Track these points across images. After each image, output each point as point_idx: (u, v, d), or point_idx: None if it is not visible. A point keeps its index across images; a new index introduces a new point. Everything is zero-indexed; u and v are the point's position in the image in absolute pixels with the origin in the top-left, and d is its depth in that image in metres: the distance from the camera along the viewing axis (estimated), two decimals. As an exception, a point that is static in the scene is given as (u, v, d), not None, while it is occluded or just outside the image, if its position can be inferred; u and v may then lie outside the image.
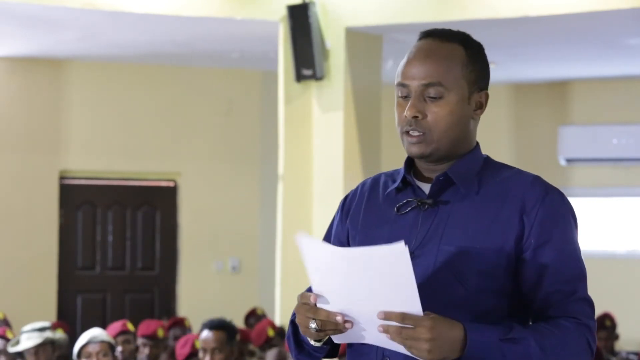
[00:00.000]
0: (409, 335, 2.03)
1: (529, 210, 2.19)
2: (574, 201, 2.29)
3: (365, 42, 7.70)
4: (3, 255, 9.38)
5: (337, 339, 2.18)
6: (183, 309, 9.77)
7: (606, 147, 9.95)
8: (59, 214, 9.68)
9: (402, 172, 2.31)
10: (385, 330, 2.05)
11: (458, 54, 2.26)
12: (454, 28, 2.33)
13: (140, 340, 6.45)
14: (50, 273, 9.58)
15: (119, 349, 6.07)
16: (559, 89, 10.30)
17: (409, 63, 2.26)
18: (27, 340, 6.01)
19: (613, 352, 7.66)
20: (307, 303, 2.13)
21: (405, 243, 2.00)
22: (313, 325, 2.12)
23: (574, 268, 2.19)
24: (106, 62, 9.60)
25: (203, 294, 9.83)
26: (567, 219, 2.22)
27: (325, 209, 7.52)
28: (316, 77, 7.46)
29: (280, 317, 7.59)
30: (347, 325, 2.10)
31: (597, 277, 7.84)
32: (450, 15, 7.20)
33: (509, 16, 7.15)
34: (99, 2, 7.32)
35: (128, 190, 9.97)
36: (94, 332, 5.52)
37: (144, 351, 6.43)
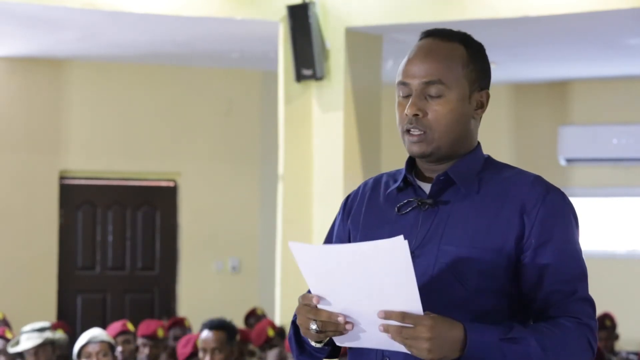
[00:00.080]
0: (409, 335, 2.03)
1: (529, 209, 2.19)
2: (574, 201, 2.29)
3: (365, 42, 7.69)
4: (3, 255, 9.38)
5: (338, 340, 2.17)
6: (183, 309, 9.77)
7: (606, 147, 9.95)
8: (59, 214, 9.68)
9: (404, 172, 2.31)
10: (386, 329, 2.05)
11: (459, 53, 2.26)
12: (454, 28, 2.33)
13: (140, 340, 6.45)
14: (50, 273, 9.58)
15: (119, 349, 6.07)
16: (559, 89, 10.30)
17: (409, 62, 2.26)
18: (27, 341, 6.01)
19: (613, 352, 7.66)
20: (308, 304, 2.13)
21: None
22: (314, 326, 2.12)
23: (574, 268, 2.19)
24: (106, 62, 9.60)
25: (203, 294, 9.83)
26: (568, 218, 2.22)
27: (325, 209, 7.52)
28: (316, 77, 7.46)
29: (280, 317, 7.59)
30: (347, 326, 2.10)
31: (597, 277, 7.84)
32: (450, 15, 7.20)
33: (509, 16, 7.15)
34: (99, 2, 7.32)
35: (128, 190, 9.97)
36: (94, 332, 5.52)
37: (144, 351, 6.43)
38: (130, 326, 6.33)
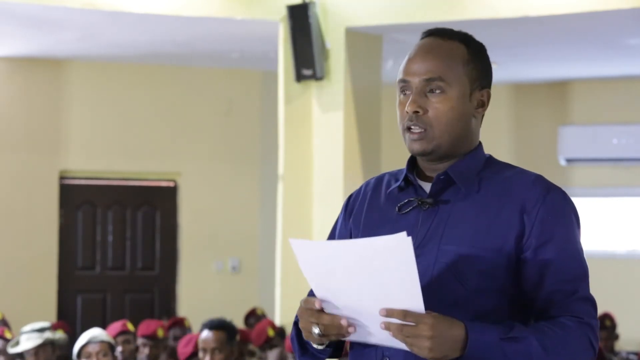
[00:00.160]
0: (411, 333, 2.03)
1: (529, 209, 2.18)
2: (574, 201, 2.28)
3: (365, 42, 7.69)
4: (3, 255, 9.38)
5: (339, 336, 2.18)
6: (183, 309, 9.77)
7: (606, 147, 9.95)
8: (59, 214, 9.68)
9: (405, 171, 2.31)
10: (387, 327, 2.05)
11: (459, 51, 2.26)
12: (454, 28, 2.34)
13: (140, 340, 6.45)
14: (50, 273, 9.58)
15: (119, 349, 6.07)
16: (559, 89, 10.30)
17: (410, 60, 2.27)
18: (27, 341, 6.01)
19: (613, 352, 7.66)
20: (310, 308, 2.13)
21: None
22: (316, 330, 2.12)
23: (575, 267, 2.19)
24: (106, 62, 9.60)
25: (203, 294, 9.83)
26: (568, 218, 2.21)
27: (325, 209, 7.52)
28: (316, 77, 7.46)
29: (280, 317, 7.59)
30: (350, 329, 2.10)
31: (597, 277, 7.83)
32: (450, 15, 7.20)
33: (509, 16, 7.15)
34: (99, 2, 7.32)
35: (128, 190, 9.96)
36: (94, 332, 5.52)
37: (144, 351, 6.42)
38: (130, 326, 6.33)
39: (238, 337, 5.62)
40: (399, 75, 2.27)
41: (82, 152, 9.69)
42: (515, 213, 2.18)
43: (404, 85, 2.26)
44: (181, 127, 9.88)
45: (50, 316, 9.23)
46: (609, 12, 7.01)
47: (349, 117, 7.60)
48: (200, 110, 9.92)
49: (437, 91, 2.23)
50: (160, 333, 6.56)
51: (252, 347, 6.95)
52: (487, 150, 2.33)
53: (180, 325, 7.40)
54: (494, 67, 2.39)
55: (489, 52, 2.34)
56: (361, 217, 2.34)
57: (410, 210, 2.25)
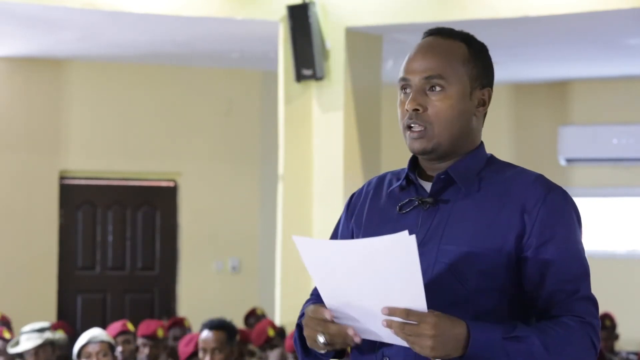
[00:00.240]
0: (413, 331, 2.03)
1: (530, 209, 2.18)
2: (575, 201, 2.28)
3: (365, 42, 7.69)
4: (3, 255, 9.38)
5: None
6: (183, 309, 9.77)
7: (606, 147, 9.95)
8: (59, 214, 9.68)
9: (407, 170, 2.31)
10: (389, 325, 2.05)
11: (460, 50, 2.26)
12: (454, 28, 2.34)
13: (140, 340, 6.45)
14: (50, 273, 9.58)
15: (119, 349, 6.06)
16: (559, 89, 10.30)
17: (410, 59, 2.27)
18: (27, 341, 6.01)
19: (613, 352, 7.66)
20: (317, 317, 2.13)
21: None
22: (322, 339, 2.12)
23: (577, 267, 2.19)
24: (106, 62, 9.60)
25: (203, 294, 9.83)
26: (569, 217, 2.21)
27: (325, 209, 7.52)
28: (316, 77, 7.46)
29: (280, 317, 7.59)
30: (356, 339, 2.11)
31: (597, 277, 7.83)
32: (450, 15, 7.20)
33: (509, 16, 7.15)
34: (99, 2, 7.32)
35: (128, 190, 9.96)
36: (94, 332, 5.52)
37: (144, 351, 6.42)
38: (130, 326, 6.33)
39: (238, 337, 5.62)
40: (400, 74, 2.28)
41: (82, 152, 9.69)
42: (515, 213, 2.18)
43: (405, 83, 2.26)
44: (181, 127, 9.88)
45: (50, 316, 9.23)
46: (609, 12, 7.01)
47: (349, 117, 7.60)
48: (200, 110, 9.92)
49: (437, 89, 2.23)
50: (160, 333, 6.56)
51: (252, 347, 6.95)
52: (487, 150, 2.33)
53: (180, 325, 7.40)
54: (495, 67, 2.40)
55: (489, 52, 2.35)
56: (362, 216, 2.34)
57: (411, 209, 2.25)
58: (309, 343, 2.18)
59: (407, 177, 2.30)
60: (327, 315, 2.11)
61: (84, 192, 9.83)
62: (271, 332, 6.82)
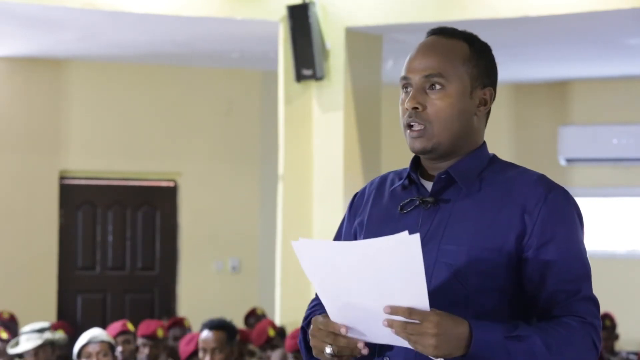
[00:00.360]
0: (415, 331, 2.03)
1: (530, 209, 2.18)
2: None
3: (365, 42, 7.69)
4: (3, 255, 9.38)
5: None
6: (183, 309, 9.77)
7: (606, 147, 9.95)
8: (59, 214, 9.68)
9: (409, 170, 2.31)
10: (390, 324, 2.04)
11: (460, 49, 2.27)
12: (455, 28, 2.34)
13: (140, 340, 6.45)
14: (50, 273, 9.58)
15: (119, 349, 6.06)
16: (559, 89, 10.30)
17: (412, 58, 2.27)
18: (27, 342, 6.01)
19: (613, 352, 7.66)
20: (327, 330, 2.12)
21: None
22: (329, 350, 2.12)
23: (578, 267, 2.18)
24: (106, 62, 9.60)
25: (203, 294, 9.83)
26: (571, 217, 2.21)
27: (325, 209, 7.52)
28: (316, 77, 7.45)
29: (281, 317, 7.59)
30: (364, 351, 2.11)
31: (597, 277, 7.83)
32: (450, 15, 7.20)
33: (509, 16, 7.15)
34: (99, 2, 7.32)
35: (128, 190, 9.96)
36: (94, 332, 5.52)
37: (144, 351, 6.42)
38: (130, 326, 6.33)
39: (238, 337, 5.62)
40: (401, 73, 2.28)
41: (82, 152, 9.69)
42: (516, 213, 2.18)
43: (406, 82, 2.26)
44: (181, 127, 9.88)
45: (50, 316, 9.23)
46: (609, 12, 7.01)
47: (349, 117, 7.60)
48: (200, 110, 9.92)
49: (437, 87, 2.23)
50: (160, 333, 6.56)
51: (252, 347, 6.95)
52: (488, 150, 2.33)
53: (180, 325, 7.40)
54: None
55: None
56: (365, 216, 2.34)
57: (412, 209, 2.25)
58: (314, 353, 2.17)
59: (409, 177, 2.30)
60: (343, 331, 2.11)
61: (84, 192, 9.82)
62: (271, 332, 6.82)
